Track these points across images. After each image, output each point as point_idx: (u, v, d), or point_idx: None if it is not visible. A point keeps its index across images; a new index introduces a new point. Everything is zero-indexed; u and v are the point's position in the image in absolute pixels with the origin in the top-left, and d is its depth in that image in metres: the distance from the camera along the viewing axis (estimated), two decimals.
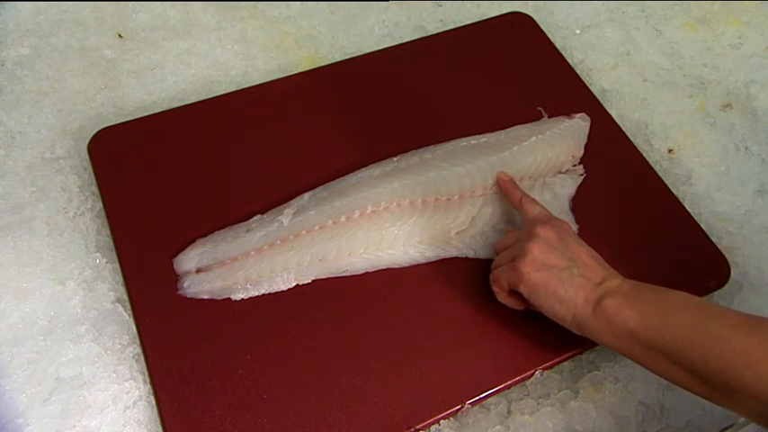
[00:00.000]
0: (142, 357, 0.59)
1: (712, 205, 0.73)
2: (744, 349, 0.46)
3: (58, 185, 0.71)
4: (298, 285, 0.63)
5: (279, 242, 0.63)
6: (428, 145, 0.71)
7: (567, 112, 0.74)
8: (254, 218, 0.66)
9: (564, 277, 0.55)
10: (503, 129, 0.73)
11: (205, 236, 0.65)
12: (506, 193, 0.66)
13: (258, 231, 0.64)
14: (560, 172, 0.71)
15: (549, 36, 0.84)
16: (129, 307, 0.62)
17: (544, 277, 0.55)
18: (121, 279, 0.63)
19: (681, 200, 0.71)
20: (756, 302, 0.66)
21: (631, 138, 0.76)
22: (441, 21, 0.89)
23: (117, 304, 0.64)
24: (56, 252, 0.66)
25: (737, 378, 0.46)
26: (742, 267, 0.69)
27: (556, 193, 0.69)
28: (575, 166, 0.72)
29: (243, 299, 0.62)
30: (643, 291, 0.53)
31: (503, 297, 0.60)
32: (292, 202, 0.67)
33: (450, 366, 0.59)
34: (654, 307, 0.51)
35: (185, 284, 0.62)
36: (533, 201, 0.63)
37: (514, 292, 0.59)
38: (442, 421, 0.58)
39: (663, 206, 0.71)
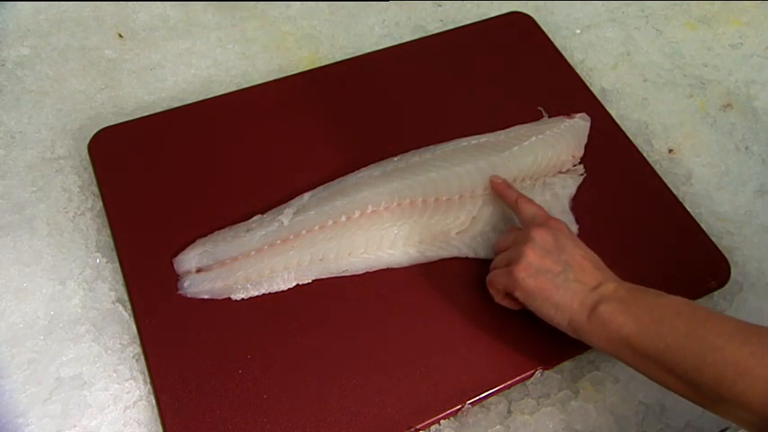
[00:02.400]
0: (142, 357, 0.59)
1: (712, 205, 0.73)
2: (736, 359, 0.45)
3: (59, 185, 0.71)
4: (298, 285, 0.63)
5: (279, 242, 0.63)
6: (428, 145, 0.71)
7: (567, 112, 0.74)
8: (254, 218, 0.66)
9: (559, 282, 0.55)
10: (503, 129, 0.73)
11: (205, 236, 0.65)
12: (501, 195, 0.66)
13: (258, 231, 0.64)
14: (560, 172, 0.71)
15: (549, 36, 0.84)
16: (129, 307, 0.62)
17: (539, 283, 0.55)
18: (121, 279, 0.63)
19: (681, 200, 0.71)
20: (756, 302, 0.66)
21: (631, 138, 0.76)
22: (441, 21, 0.89)
23: (117, 304, 0.64)
24: (56, 252, 0.66)
25: (730, 388, 0.45)
26: (742, 267, 0.69)
27: (556, 193, 0.69)
28: (575, 166, 0.72)
29: (243, 299, 0.62)
30: (639, 296, 0.53)
31: (499, 299, 0.60)
32: (292, 201, 0.67)
33: (450, 366, 0.59)
34: (649, 314, 0.51)
35: (185, 284, 0.62)
36: (529, 201, 0.63)
37: (511, 295, 0.58)
38: (442, 421, 0.58)
39: (663, 206, 0.71)
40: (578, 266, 0.56)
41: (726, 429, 0.59)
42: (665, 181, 0.72)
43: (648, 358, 0.50)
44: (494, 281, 0.59)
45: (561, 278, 0.55)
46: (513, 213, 0.67)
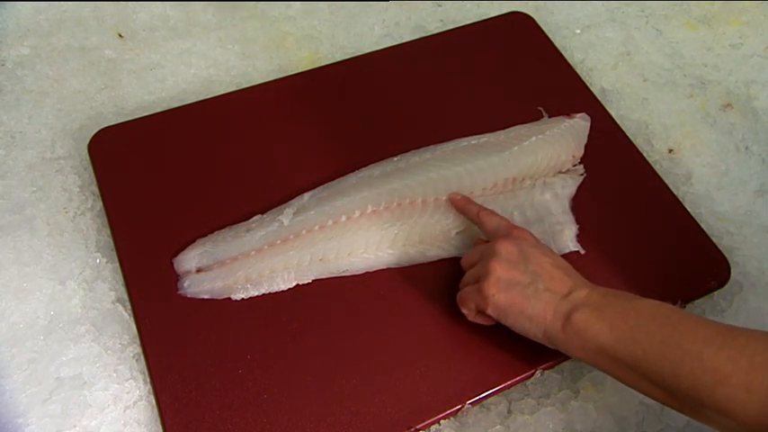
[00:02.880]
0: (142, 357, 0.59)
1: (712, 205, 0.73)
2: (714, 365, 0.45)
3: (59, 185, 0.71)
4: (298, 285, 0.63)
5: (279, 242, 0.63)
6: (428, 145, 0.71)
7: (567, 112, 0.74)
8: (254, 218, 0.66)
9: (529, 293, 0.54)
10: (503, 129, 0.73)
11: (205, 236, 0.65)
12: (462, 209, 0.65)
13: (258, 231, 0.64)
14: (560, 172, 0.71)
15: (549, 36, 0.84)
16: (129, 307, 0.62)
17: (510, 297, 0.54)
18: (121, 279, 0.63)
19: (681, 200, 0.71)
20: (756, 302, 0.66)
21: (631, 138, 0.76)
22: (441, 21, 0.89)
23: (117, 304, 0.64)
24: (56, 252, 0.66)
25: (709, 395, 0.45)
26: (742, 267, 0.69)
27: (556, 193, 0.69)
28: (575, 166, 0.72)
29: (243, 299, 0.62)
30: (612, 301, 0.52)
31: (472, 317, 0.59)
32: (292, 201, 0.67)
33: (450, 366, 0.59)
34: (623, 320, 0.50)
35: (185, 284, 0.62)
36: (491, 213, 0.62)
37: (483, 313, 0.57)
38: (442, 421, 0.58)
39: (663, 206, 0.71)
40: (547, 275, 0.55)
41: None
42: (665, 181, 0.72)
43: (626, 366, 0.49)
44: (465, 299, 0.58)
45: (531, 289, 0.54)
46: (513, 214, 0.67)
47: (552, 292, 0.54)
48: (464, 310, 0.59)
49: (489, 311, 0.56)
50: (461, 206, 0.65)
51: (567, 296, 0.53)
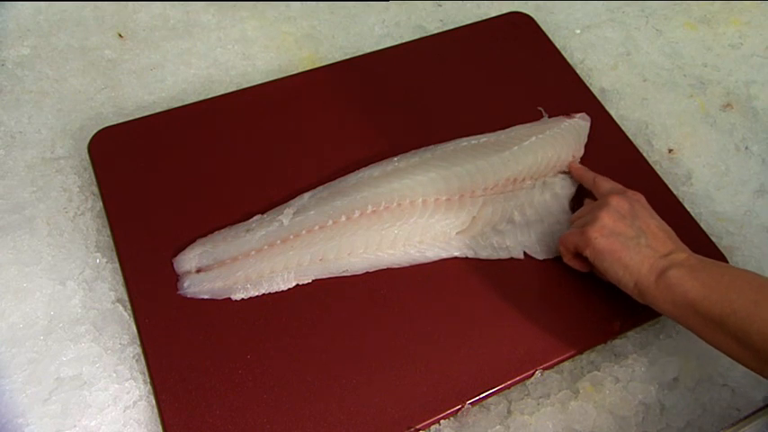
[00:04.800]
0: (142, 357, 0.59)
1: (712, 205, 0.73)
2: None
3: (58, 185, 0.71)
4: (298, 285, 0.63)
5: (279, 242, 0.63)
6: (428, 145, 0.71)
7: (567, 112, 0.74)
8: (254, 218, 0.66)
9: (631, 245, 0.56)
10: (503, 129, 0.73)
11: (205, 236, 0.65)
12: (578, 176, 0.68)
13: (258, 231, 0.64)
14: (560, 172, 0.71)
15: (549, 36, 0.84)
16: (129, 307, 0.62)
17: (611, 243, 0.56)
18: (121, 279, 0.63)
19: (681, 200, 0.71)
20: None
21: (631, 138, 0.76)
22: (441, 21, 0.89)
23: (117, 304, 0.64)
24: (56, 252, 0.66)
25: None
26: (742, 267, 0.69)
27: (556, 193, 0.69)
28: None
29: (243, 299, 0.62)
30: (709, 266, 0.54)
31: (568, 259, 0.62)
32: (292, 201, 0.67)
33: (450, 366, 0.59)
34: (717, 280, 0.52)
35: (185, 284, 0.62)
36: (606, 179, 0.65)
37: (580, 256, 0.60)
38: (442, 421, 0.58)
39: (663, 206, 0.70)
40: (652, 234, 0.57)
41: (726, 429, 0.58)
42: (665, 181, 0.72)
43: (713, 323, 0.51)
44: (566, 239, 0.61)
45: (633, 242, 0.56)
46: (513, 214, 0.67)
47: (653, 249, 0.56)
48: (562, 249, 0.62)
49: (587, 253, 0.58)
50: (579, 173, 0.68)
51: (666, 255, 0.55)
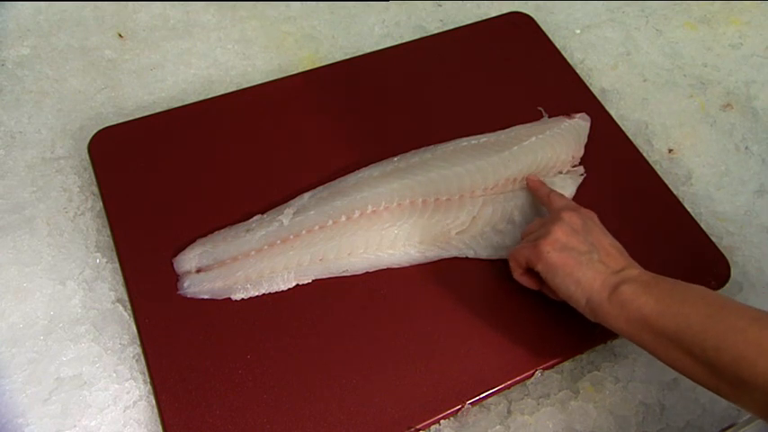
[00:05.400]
0: (142, 357, 0.59)
1: (712, 205, 0.73)
2: (758, 340, 0.45)
3: (58, 185, 0.71)
4: (298, 285, 0.63)
5: (279, 242, 0.63)
6: (428, 145, 0.71)
7: (567, 112, 0.74)
8: (254, 218, 0.66)
9: (583, 261, 0.55)
10: (503, 129, 0.73)
11: (205, 236, 0.65)
12: (533, 190, 0.67)
13: (258, 231, 0.64)
14: (560, 172, 0.71)
15: (549, 36, 0.84)
16: (129, 307, 0.62)
17: (563, 258, 0.55)
18: (121, 279, 0.63)
19: (681, 200, 0.71)
20: (756, 302, 0.66)
21: (631, 138, 0.76)
22: (441, 21, 0.89)
23: (117, 304, 0.64)
24: (56, 252, 0.66)
25: (750, 369, 0.45)
26: (742, 267, 0.69)
27: None
28: (575, 166, 0.72)
29: (243, 299, 0.62)
30: (662, 281, 0.53)
31: (518, 275, 0.60)
32: (292, 201, 0.67)
33: (450, 366, 0.59)
34: (671, 295, 0.51)
35: (185, 284, 0.62)
36: (561, 195, 0.65)
37: (531, 272, 0.59)
38: (442, 421, 0.58)
39: (663, 206, 0.71)
40: (604, 251, 0.56)
41: (726, 429, 0.58)
42: (665, 181, 0.72)
43: (667, 339, 0.50)
44: (517, 253, 0.59)
45: (586, 257, 0.55)
46: (513, 214, 0.67)
47: (606, 264, 0.55)
48: (512, 265, 0.60)
49: (539, 267, 0.56)
50: (534, 187, 0.67)
51: (618, 272, 0.54)
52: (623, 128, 0.76)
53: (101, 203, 0.68)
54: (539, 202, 0.66)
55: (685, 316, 0.49)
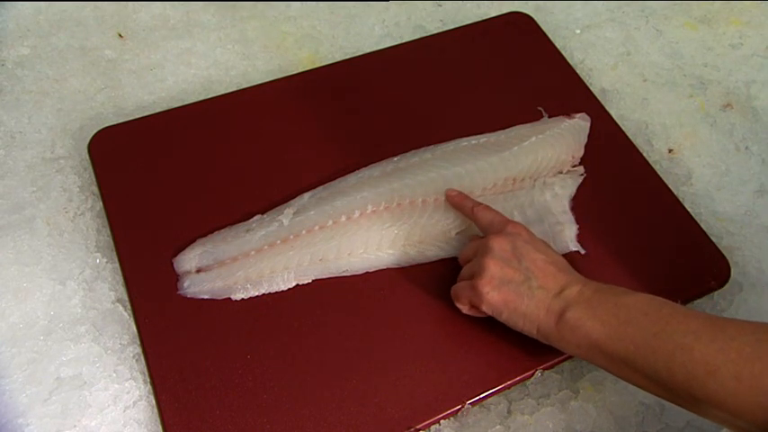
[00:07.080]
0: (142, 357, 0.59)
1: (712, 205, 0.73)
2: (705, 358, 0.45)
3: (58, 185, 0.71)
4: (298, 285, 0.63)
5: (279, 242, 0.63)
6: (428, 145, 0.71)
7: (567, 112, 0.74)
8: (254, 218, 0.66)
9: (523, 291, 0.54)
10: (503, 129, 0.73)
11: (205, 236, 0.65)
12: (457, 205, 0.65)
13: (258, 231, 0.64)
14: (560, 172, 0.71)
15: (549, 36, 0.84)
16: (129, 307, 0.62)
17: (503, 295, 0.55)
18: (121, 279, 0.63)
19: (681, 200, 0.71)
20: (756, 302, 0.66)
21: (631, 138, 0.76)
22: (441, 21, 0.89)
23: (117, 304, 0.64)
24: (56, 252, 0.66)
25: (701, 388, 0.45)
26: (742, 267, 0.69)
27: (556, 193, 0.69)
28: (575, 166, 0.72)
29: (243, 299, 0.62)
30: (604, 297, 0.52)
31: (466, 311, 0.59)
32: (292, 201, 0.67)
33: (450, 366, 0.59)
34: (615, 316, 0.50)
35: (185, 284, 0.62)
36: (486, 208, 0.62)
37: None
38: (442, 421, 0.58)
39: (663, 206, 0.71)
40: (540, 272, 0.55)
41: (726, 429, 0.58)
42: (665, 181, 0.72)
43: (620, 361, 0.50)
44: (459, 295, 0.59)
45: (525, 287, 0.55)
46: (513, 214, 0.67)
47: (545, 289, 0.54)
48: (458, 304, 0.60)
49: (484, 308, 0.57)
50: (456, 202, 0.65)
51: (559, 294, 0.54)
52: (623, 128, 0.76)
53: (101, 203, 0.68)
54: (464, 215, 0.64)
55: (632, 337, 0.49)
